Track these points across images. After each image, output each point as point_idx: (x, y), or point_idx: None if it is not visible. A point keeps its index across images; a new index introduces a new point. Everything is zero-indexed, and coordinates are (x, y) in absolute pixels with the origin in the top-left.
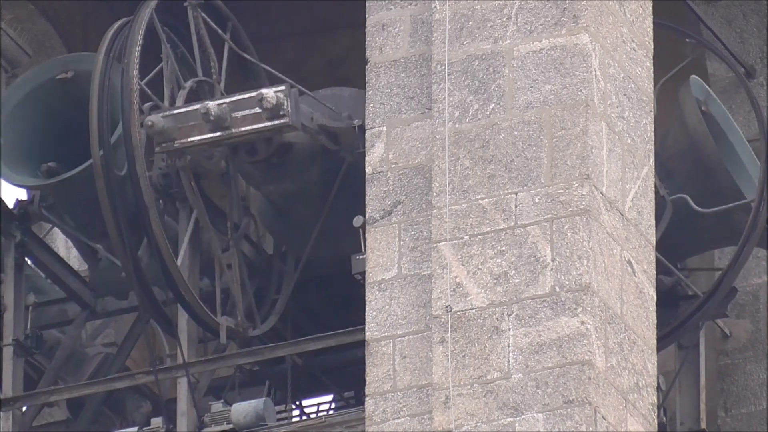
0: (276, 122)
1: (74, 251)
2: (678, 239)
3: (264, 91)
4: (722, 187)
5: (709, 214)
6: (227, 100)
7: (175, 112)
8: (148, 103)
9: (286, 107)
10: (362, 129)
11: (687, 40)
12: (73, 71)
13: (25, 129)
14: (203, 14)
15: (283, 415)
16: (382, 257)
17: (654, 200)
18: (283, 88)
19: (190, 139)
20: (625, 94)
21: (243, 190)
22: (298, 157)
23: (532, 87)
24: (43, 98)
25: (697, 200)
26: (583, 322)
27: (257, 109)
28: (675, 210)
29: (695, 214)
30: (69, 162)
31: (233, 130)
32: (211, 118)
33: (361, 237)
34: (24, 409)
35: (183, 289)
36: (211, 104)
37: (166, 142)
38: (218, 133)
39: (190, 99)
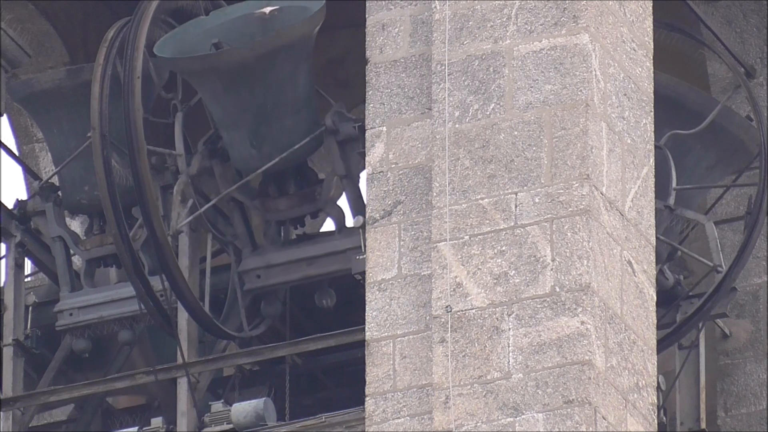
0: None
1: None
2: (693, 176)
3: None
4: (695, 106)
5: (703, 130)
6: None
7: None
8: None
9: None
10: (362, 129)
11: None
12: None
13: None
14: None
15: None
16: (382, 257)
17: (654, 200)
18: None
19: None
20: (625, 94)
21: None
22: None
23: (532, 87)
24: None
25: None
26: (583, 322)
27: None
28: (673, 150)
29: (691, 142)
30: None
31: None
32: None
33: (361, 237)
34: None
35: (184, 288)
36: None
37: None
38: None
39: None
